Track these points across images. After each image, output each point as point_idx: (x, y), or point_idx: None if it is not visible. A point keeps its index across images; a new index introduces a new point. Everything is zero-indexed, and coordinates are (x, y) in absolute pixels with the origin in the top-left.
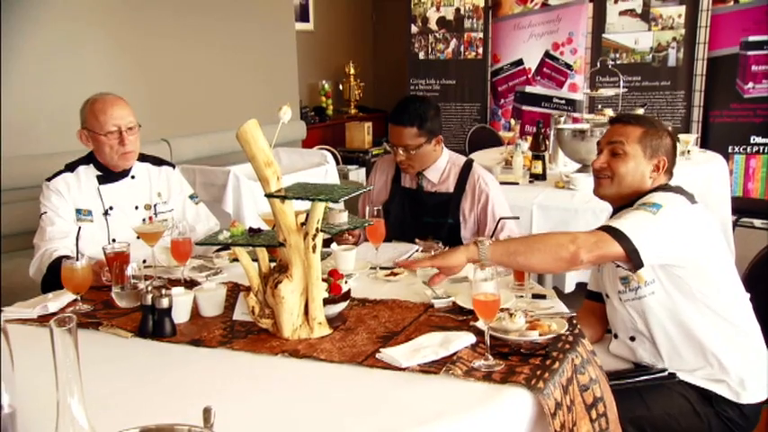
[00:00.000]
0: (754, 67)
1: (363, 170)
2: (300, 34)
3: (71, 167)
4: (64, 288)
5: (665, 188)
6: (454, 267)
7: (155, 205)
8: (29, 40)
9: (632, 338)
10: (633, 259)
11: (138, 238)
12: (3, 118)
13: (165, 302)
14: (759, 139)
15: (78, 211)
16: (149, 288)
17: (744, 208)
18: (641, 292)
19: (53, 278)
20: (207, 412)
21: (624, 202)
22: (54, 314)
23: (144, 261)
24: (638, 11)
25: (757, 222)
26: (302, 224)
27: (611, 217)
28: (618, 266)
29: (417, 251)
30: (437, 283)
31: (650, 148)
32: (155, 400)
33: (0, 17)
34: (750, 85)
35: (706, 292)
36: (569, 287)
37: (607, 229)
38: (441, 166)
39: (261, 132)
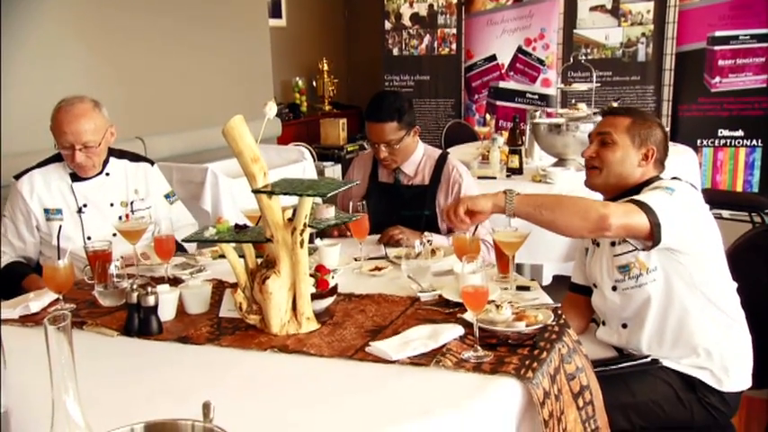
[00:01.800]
0: (720, 62)
1: (339, 167)
2: (273, 30)
3: (42, 164)
4: (20, 295)
5: (670, 179)
6: (480, 213)
7: (131, 202)
8: (4, 40)
9: (624, 326)
10: (654, 234)
11: (114, 235)
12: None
13: (151, 300)
14: (726, 132)
15: (47, 211)
16: (134, 286)
17: (713, 199)
18: (642, 279)
19: (3, 285)
20: (206, 407)
21: (615, 192)
22: (36, 314)
23: (121, 257)
24: (608, 6)
25: (725, 213)
26: (289, 220)
27: None
28: (623, 243)
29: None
30: (466, 228)
31: (639, 138)
32: (146, 397)
33: None
34: (717, 79)
35: (704, 281)
36: (547, 279)
37: (634, 201)
38: (416, 159)
39: (246, 128)
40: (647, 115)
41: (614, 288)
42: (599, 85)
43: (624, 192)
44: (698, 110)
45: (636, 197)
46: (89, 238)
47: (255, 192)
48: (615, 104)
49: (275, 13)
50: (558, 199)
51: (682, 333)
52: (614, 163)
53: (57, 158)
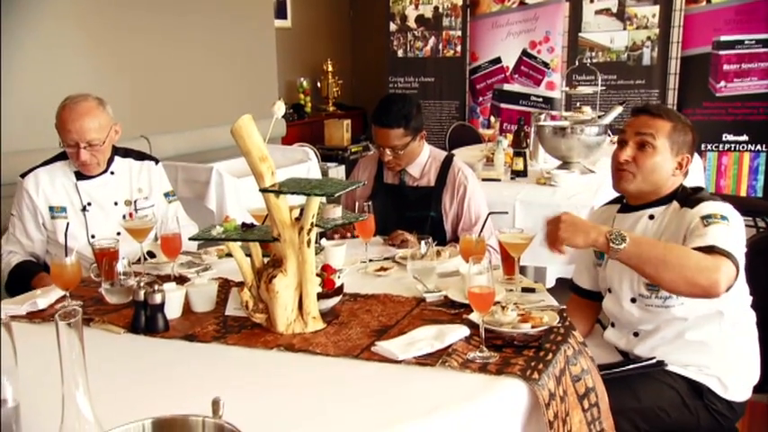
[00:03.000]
0: (725, 66)
1: (343, 167)
2: (278, 31)
3: (48, 162)
4: (32, 290)
5: (699, 191)
6: (578, 245)
7: (135, 201)
8: (5, 37)
9: (636, 334)
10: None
11: (118, 234)
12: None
13: (158, 298)
14: (731, 137)
15: (51, 209)
16: (141, 284)
17: None
18: (671, 302)
19: (14, 284)
20: (216, 404)
21: (642, 200)
22: (43, 311)
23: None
24: (614, 10)
25: None
26: (296, 219)
27: (619, 212)
28: None
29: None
30: (560, 252)
31: (677, 145)
32: (152, 394)
33: None
34: (722, 83)
35: (729, 301)
36: (550, 282)
37: (720, 251)
38: (422, 161)
39: (255, 128)
40: (682, 118)
41: (633, 300)
42: (604, 88)
43: (654, 201)
44: (702, 114)
45: (717, 244)
46: (93, 237)
47: (263, 191)
48: (620, 108)
49: (280, 13)
50: (663, 255)
51: (694, 347)
52: (651, 170)
53: (62, 157)
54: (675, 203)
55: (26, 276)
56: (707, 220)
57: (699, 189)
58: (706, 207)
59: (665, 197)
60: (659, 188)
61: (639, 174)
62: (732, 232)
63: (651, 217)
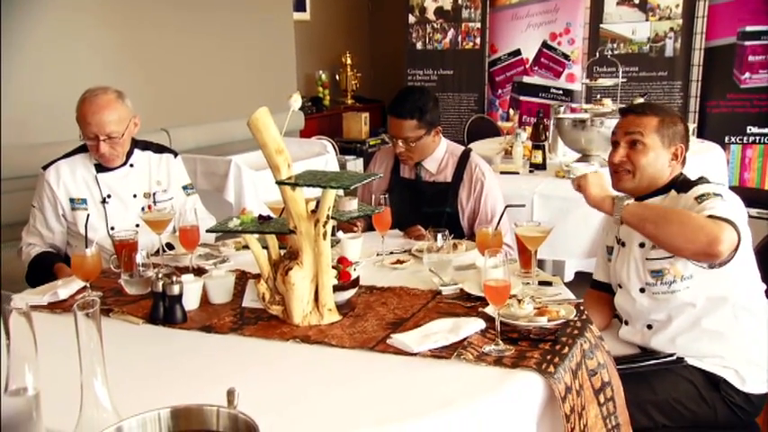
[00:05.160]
0: (750, 58)
1: (361, 160)
2: (297, 24)
3: (69, 155)
4: (55, 280)
5: (698, 181)
6: (589, 196)
7: (154, 194)
8: (28, 31)
9: (649, 327)
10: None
11: (137, 226)
12: (2, 108)
13: (176, 289)
14: (755, 129)
15: (72, 200)
16: (160, 275)
17: (740, 197)
18: (675, 286)
19: (34, 275)
20: (231, 394)
21: (643, 192)
22: (64, 301)
23: (142, 249)
24: (636, 1)
25: (753, 212)
26: (312, 211)
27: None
28: (657, 248)
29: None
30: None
31: (668, 137)
32: (170, 384)
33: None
34: (747, 75)
35: (737, 285)
36: (569, 276)
37: (719, 218)
38: (439, 156)
39: (272, 120)
40: (668, 110)
41: (642, 290)
42: (625, 80)
43: (653, 192)
44: (726, 106)
45: (715, 213)
46: (112, 229)
47: (279, 183)
48: (641, 100)
49: (299, 6)
50: (664, 213)
51: (708, 335)
52: (647, 166)
53: (83, 149)
54: (674, 192)
55: (46, 267)
56: (700, 198)
57: (699, 178)
58: (700, 189)
59: (663, 187)
60: (657, 180)
61: (636, 172)
62: (728, 205)
63: None
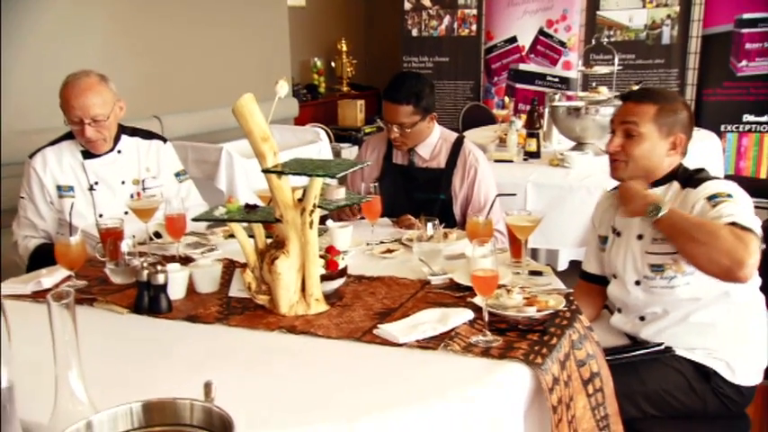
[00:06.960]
0: (747, 45)
1: (356, 148)
2: (292, 10)
3: (54, 142)
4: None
5: (700, 172)
6: (630, 199)
7: (143, 180)
8: (22, 18)
9: (642, 318)
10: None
11: (126, 213)
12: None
13: (161, 278)
14: (751, 118)
15: (59, 188)
16: (145, 264)
17: None
18: (675, 281)
19: (36, 267)
20: (207, 386)
21: (645, 182)
22: (48, 290)
23: (133, 236)
24: None
25: None
26: (299, 200)
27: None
28: (658, 243)
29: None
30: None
31: (666, 126)
32: (153, 375)
33: None
34: (744, 63)
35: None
36: (563, 265)
37: (742, 227)
38: (432, 142)
39: (257, 106)
40: (670, 97)
41: (638, 283)
42: (621, 68)
43: (653, 183)
44: (723, 94)
45: (736, 221)
46: (100, 216)
47: (265, 171)
48: (636, 87)
49: None
50: (691, 231)
51: (699, 328)
52: (641, 157)
53: (69, 136)
54: (676, 184)
55: (48, 258)
56: (713, 200)
57: (700, 170)
58: (709, 187)
59: (663, 178)
60: (655, 170)
61: (631, 162)
62: (743, 208)
63: None
